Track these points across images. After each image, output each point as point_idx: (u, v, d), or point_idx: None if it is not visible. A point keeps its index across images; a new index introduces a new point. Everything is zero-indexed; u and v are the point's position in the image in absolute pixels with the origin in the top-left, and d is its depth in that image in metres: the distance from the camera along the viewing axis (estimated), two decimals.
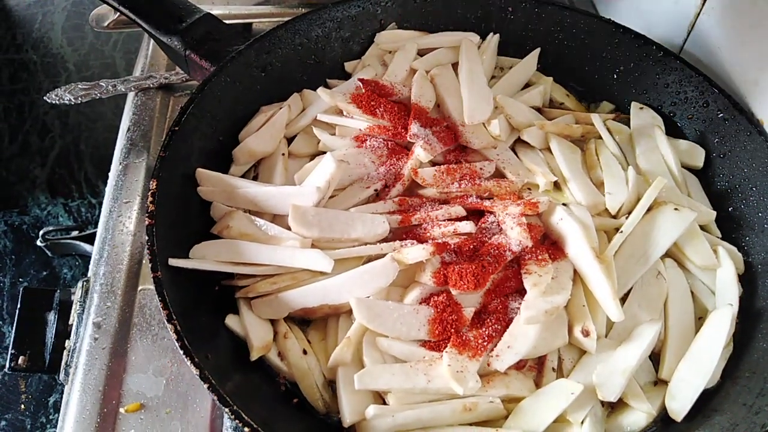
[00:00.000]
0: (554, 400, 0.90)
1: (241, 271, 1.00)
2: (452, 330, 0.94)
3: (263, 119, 1.17)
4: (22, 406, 1.70)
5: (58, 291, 1.26)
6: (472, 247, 1.01)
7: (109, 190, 1.36)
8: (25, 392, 1.72)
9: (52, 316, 1.24)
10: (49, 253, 1.65)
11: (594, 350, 0.95)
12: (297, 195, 1.04)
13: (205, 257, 0.99)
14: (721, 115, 1.18)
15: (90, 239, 1.38)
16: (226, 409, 0.80)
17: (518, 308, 0.96)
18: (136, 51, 1.66)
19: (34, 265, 1.95)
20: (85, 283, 1.24)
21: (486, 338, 0.93)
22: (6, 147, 2.21)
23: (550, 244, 1.05)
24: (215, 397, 0.81)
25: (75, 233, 1.63)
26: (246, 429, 0.80)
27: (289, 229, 1.01)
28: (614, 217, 1.10)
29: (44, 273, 1.94)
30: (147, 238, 0.94)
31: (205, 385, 0.82)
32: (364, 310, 0.93)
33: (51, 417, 1.67)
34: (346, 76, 1.31)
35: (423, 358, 0.93)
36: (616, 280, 0.98)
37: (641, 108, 1.26)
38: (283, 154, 1.14)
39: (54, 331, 1.22)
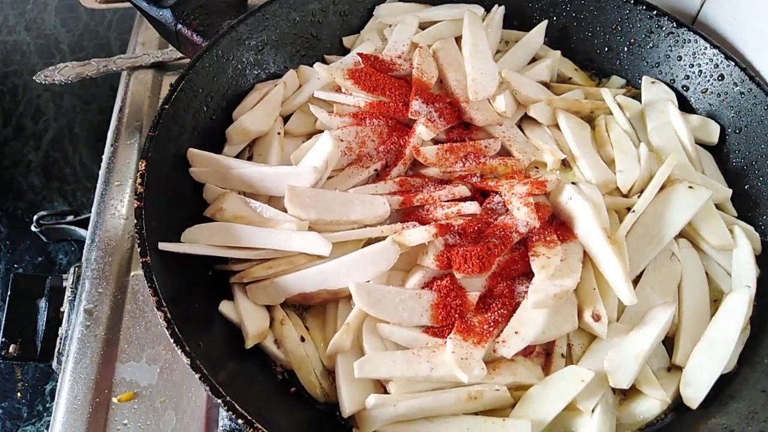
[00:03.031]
0: (564, 387, 0.86)
1: (235, 255, 0.96)
2: (456, 315, 0.90)
3: (258, 97, 1.12)
4: (19, 394, 1.66)
5: (49, 277, 1.23)
6: (476, 228, 0.97)
7: (101, 173, 1.32)
8: (21, 380, 1.69)
9: (43, 303, 1.21)
10: (44, 239, 1.61)
11: (605, 335, 0.91)
12: (293, 175, 0.99)
13: (197, 241, 0.95)
14: (737, 88, 1.14)
15: (85, 224, 1.34)
16: (219, 400, 0.77)
17: (525, 292, 0.92)
18: (132, 31, 1.61)
19: (29, 251, 1.90)
20: (76, 268, 1.20)
21: (492, 323, 0.89)
22: None
23: (558, 225, 1.00)
24: (207, 388, 0.78)
25: (70, 218, 1.59)
26: (240, 420, 0.76)
27: (285, 211, 0.97)
28: (626, 196, 1.06)
29: (39, 259, 1.89)
30: (136, 221, 0.90)
31: (197, 375, 0.78)
32: (364, 295, 0.89)
33: (48, 405, 1.64)
34: (345, 51, 1.26)
35: (426, 345, 0.89)
36: (628, 261, 0.94)
37: (653, 82, 1.21)
38: (279, 133, 1.09)
39: (45, 319, 1.18)
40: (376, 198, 0.99)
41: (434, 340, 0.90)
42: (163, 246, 0.91)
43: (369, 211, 0.97)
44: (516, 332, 0.89)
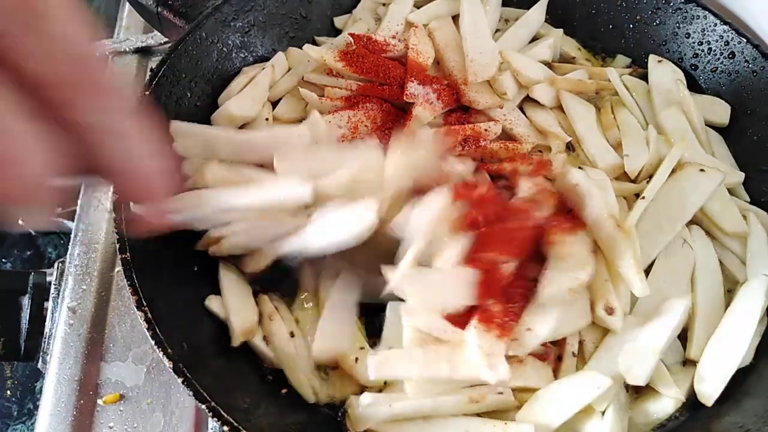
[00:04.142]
0: (577, 392, 0.81)
1: (218, 226, 0.88)
2: (494, 290, 0.82)
3: (245, 81, 1.06)
4: (8, 392, 1.63)
5: (32, 273, 1.18)
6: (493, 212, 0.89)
7: None
8: (10, 378, 1.65)
9: (26, 301, 1.16)
10: (32, 232, 1.57)
11: (619, 329, 0.86)
12: (285, 137, 0.92)
13: (179, 209, 0.88)
14: (749, 66, 1.09)
15: (74, 216, 1.29)
16: (203, 406, 0.72)
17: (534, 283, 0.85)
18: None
19: (18, 244, 1.86)
20: (60, 264, 1.15)
21: (512, 315, 0.82)
22: None
23: (565, 213, 0.95)
24: (190, 392, 0.73)
25: (58, 210, 1.55)
26: (225, 427, 0.71)
27: None
28: (633, 181, 1.01)
29: (28, 253, 1.85)
30: (114, 215, 0.85)
31: (180, 379, 0.74)
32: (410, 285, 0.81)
33: (38, 403, 1.60)
34: (336, 32, 1.20)
35: (444, 332, 0.82)
36: (639, 250, 0.89)
37: (660, 61, 1.16)
38: (267, 119, 1.04)
39: (28, 317, 1.14)
40: (368, 145, 0.91)
41: (453, 328, 0.82)
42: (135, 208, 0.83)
43: (363, 160, 0.88)
44: (528, 329, 0.83)
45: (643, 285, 0.85)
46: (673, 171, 0.98)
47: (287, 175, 0.86)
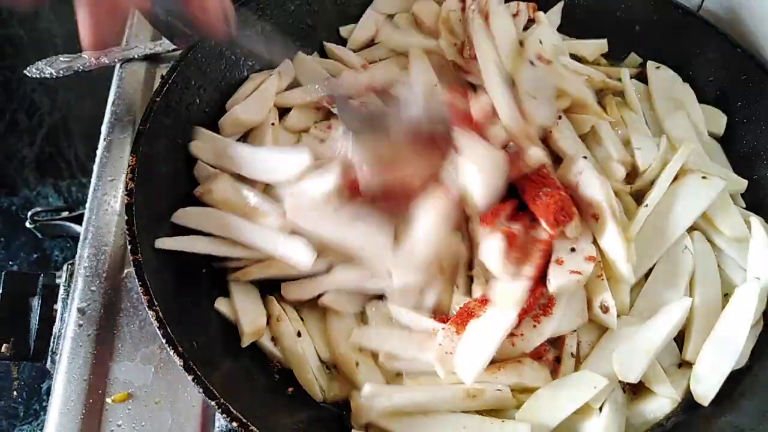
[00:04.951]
0: (574, 392, 0.83)
1: (232, 254, 0.93)
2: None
3: (252, 87, 1.09)
4: (15, 393, 1.65)
5: (42, 275, 1.20)
6: None
7: (95, 169, 1.29)
8: (17, 378, 1.67)
9: (36, 302, 1.18)
10: (39, 235, 1.59)
11: (615, 326, 0.88)
12: (287, 159, 0.96)
13: (186, 224, 0.93)
14: (745, 77, 1.11)
15: (80, 220, 1.31)
16: (213, 402, 0.74)
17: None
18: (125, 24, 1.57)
19: (24, 247, 1.89)
20: (69, 266, 1.17)
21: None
22: None
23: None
24: (200, 389, 0.75)
25: (65, 214, 1.57)
26: (234, 423, 0.73)
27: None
28: (631, 181, 1.03)
29: (35, 256, 1.88)
30: (126, 217, 0.87)
31: (190, 377, 0.76)
32: None
33: (44, 404, 1.62)
34: (341, 41, 1.22)
35: (432, 330, 0.88)
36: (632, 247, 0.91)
37: (658, 67, 1.18)
38: (273, 124, 1.06)
39: (38, 318, 1.16)
40: (380, 226, 0.92)
41: (440, 325, 0.87)
42: (160, 243, 0.88)
43: (370, 242, 0.91)
44: (534, 326, 0.86)
45: (629, 270, 0.88)
46: (676, 177, 0.99)
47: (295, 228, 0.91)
